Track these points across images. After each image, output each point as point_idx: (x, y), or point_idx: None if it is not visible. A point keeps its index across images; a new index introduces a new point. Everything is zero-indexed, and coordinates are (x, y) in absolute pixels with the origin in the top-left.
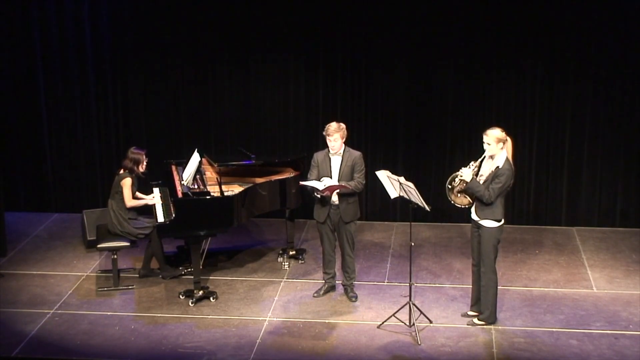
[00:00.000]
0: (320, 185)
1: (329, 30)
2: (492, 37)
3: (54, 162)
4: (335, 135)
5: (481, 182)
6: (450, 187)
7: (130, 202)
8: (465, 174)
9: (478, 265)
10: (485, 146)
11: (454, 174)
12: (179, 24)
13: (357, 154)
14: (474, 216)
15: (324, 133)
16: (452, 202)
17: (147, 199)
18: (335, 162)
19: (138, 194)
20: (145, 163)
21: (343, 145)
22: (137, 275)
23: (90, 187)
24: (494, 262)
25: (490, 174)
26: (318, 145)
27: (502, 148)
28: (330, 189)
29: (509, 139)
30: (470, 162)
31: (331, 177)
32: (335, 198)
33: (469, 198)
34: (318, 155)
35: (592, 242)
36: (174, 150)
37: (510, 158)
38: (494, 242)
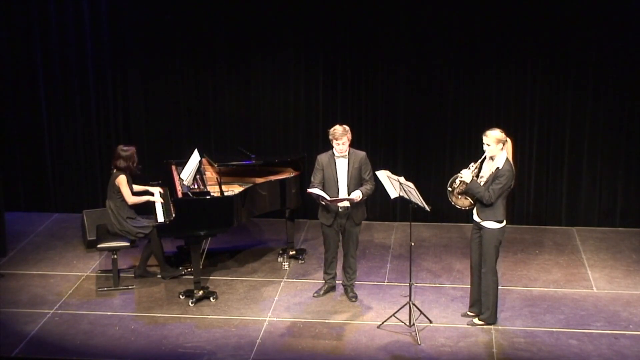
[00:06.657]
0: (327, 195)
1: (329, 30)
2: (492, 37)
3: (54, 162)
4: (344, 138)
5: (482, 183)
6: (450, 189)
7: (131, 199)
8: (465, 175)
9: (477, 266)
10: (485, 147)
11: (454, 176)
12: (179, 24)
13: (362, 154)
14: (475, 217)
15: (331, 137)
16: (454, 203)
17: (149, 196)
18: (341, 164)
19: (136, 188)
20: (136, 157)
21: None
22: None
23: (90, 187)
24: (495, 263)
25: (490, 175)
26: (318, 145)
27: (502, 149)
28: (337, 200)
29: (508, 139)
30: (470, 163)
31: (337, 179)
32: (346, 203)
33: (470, 200)
34: (322, 158)
35: (592, 242)
36: (174, 150)
37: (510, 159)
38: (495, 243)
